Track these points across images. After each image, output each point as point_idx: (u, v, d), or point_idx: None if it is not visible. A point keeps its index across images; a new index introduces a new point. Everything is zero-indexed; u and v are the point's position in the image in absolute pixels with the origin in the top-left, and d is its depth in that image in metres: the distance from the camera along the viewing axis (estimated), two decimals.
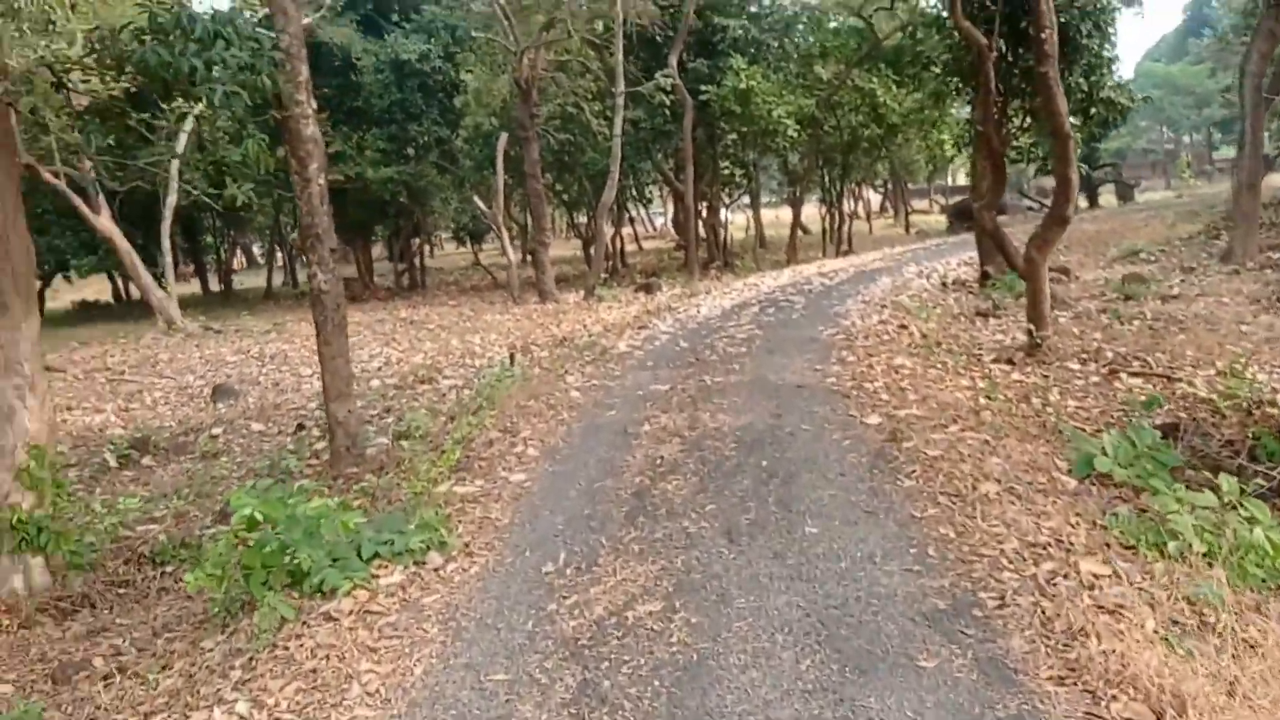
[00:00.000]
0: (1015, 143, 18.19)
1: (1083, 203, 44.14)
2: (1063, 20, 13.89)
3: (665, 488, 7.31)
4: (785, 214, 46.09)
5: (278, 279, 44.40)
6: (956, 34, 15.96)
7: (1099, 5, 16.53)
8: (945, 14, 17.77)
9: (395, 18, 31.52)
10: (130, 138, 11.66)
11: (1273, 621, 5.05)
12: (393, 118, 30.70)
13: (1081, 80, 16.88)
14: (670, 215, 50.71)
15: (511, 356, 14.07)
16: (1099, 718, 4.11)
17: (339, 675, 4.89)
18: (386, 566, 6.16)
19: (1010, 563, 5.50)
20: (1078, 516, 6.41)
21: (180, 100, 7.63)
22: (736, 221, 47.31)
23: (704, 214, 35.10)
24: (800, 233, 35.78)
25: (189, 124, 8.89)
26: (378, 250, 44.10)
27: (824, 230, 38.92)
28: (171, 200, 28.00)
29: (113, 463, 12.02)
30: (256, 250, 61.82)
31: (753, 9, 31.87)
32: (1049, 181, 43.37)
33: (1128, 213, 39.72)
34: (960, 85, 19.67)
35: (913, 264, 24.32)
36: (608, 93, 27.78)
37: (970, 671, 4.46)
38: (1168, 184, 62.45)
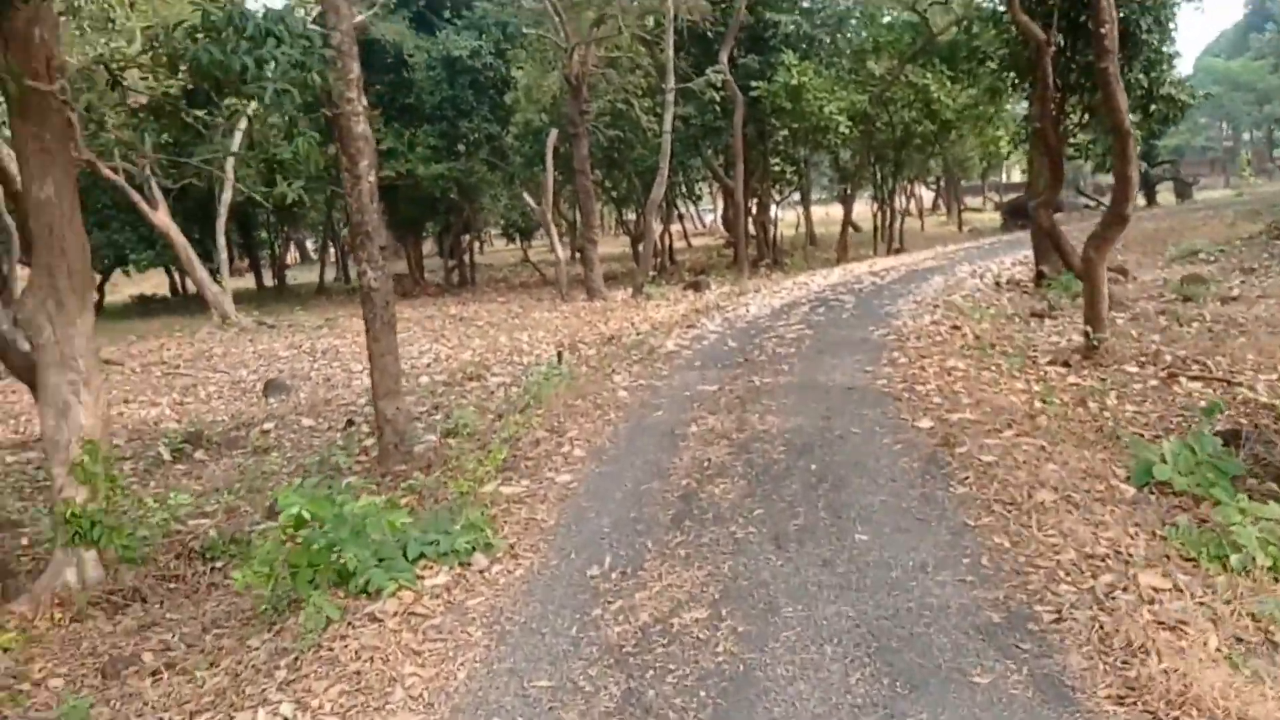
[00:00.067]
0: (1073, 140, 17.86)
1: (1140, 201, 43.28)
2: (1122, 15, 13.58)
3: (712, 491, 7.23)
4: (836, 211, 45.67)
5: (330, 274, 44.88)
6: (1013, 28, 15.68)
7: (1159, 0, 16.18)
8: (1002, 8, 17.49)
9: (447, 14, 31.65)
10: (187, 135, 11.78)
11: None
12: (444, 114, 30.86)
13: (1141, 76, 16.53)
14: (720, 212, 50.51)
15: (559, 355, 14.05)
16: None
17: (382, 678, 4.86)
18: (432, 567, 6.14)
19: (1067, 575, 5.35)
20: (1136, 527, 6.24)
21: (236, 99, 7.64)
22: (786, 219, 47.00)
23: (754, 211, 34.92)
24: (851, 230, 35.44)
25: (244, 122, 8.97)
26: (428, 247, 44.36)
27: (875, 228, 38.51)
28: (227, 197, 28.42)
29: (166, 456, 12.17)
30: (310, 246, 62.52)
31: (805, 4, 31.62)
32: (1106, 179, 42.78)
33: (1186, 211, 38.90)
34: (1017, 81, 19.35)
35: (966, 263, 23.96)
36: (658, 89, 27.70)
37: (1026, 688, 4.33)
38: (1227, 182, 61.08)
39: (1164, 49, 17.11)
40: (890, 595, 5.27)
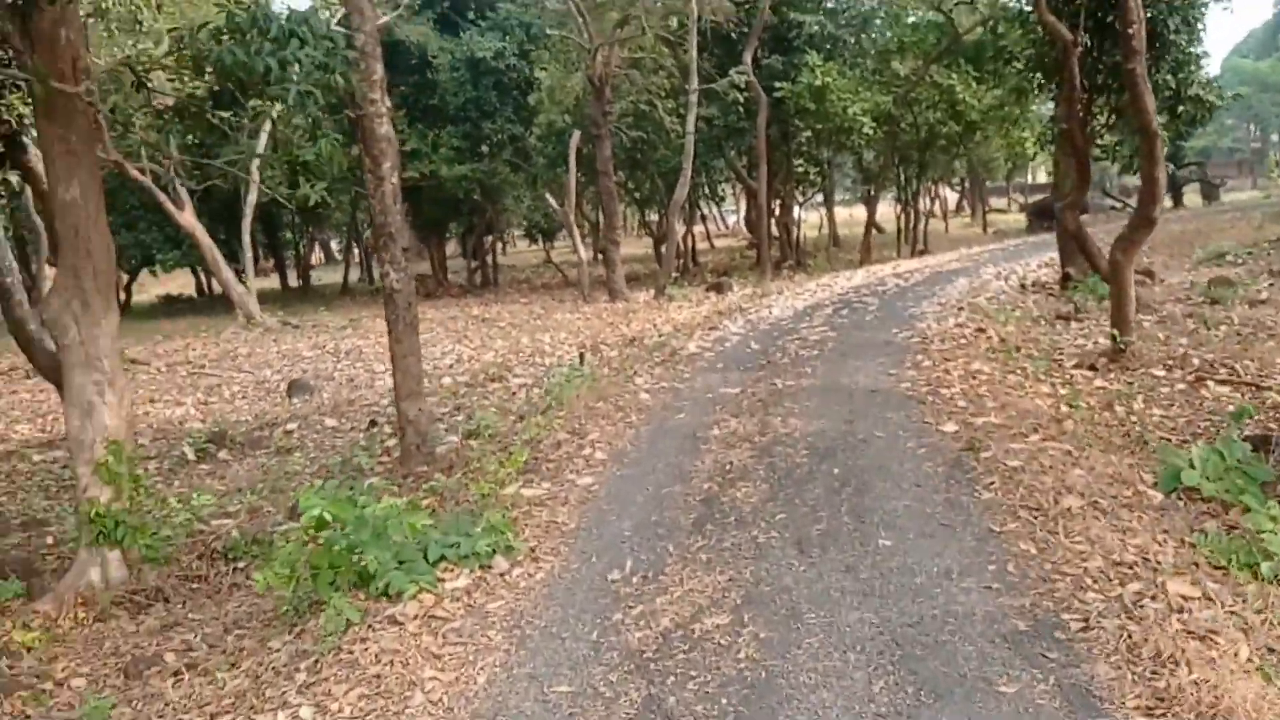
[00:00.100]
0: (1100, 141, 17.71)
1: (1167, 202, 42.84)
2: (1150, 15, 13.46)
3: (734, 495, 7.18)
4: (859, 212, 45.45)
5: (354, 275, 45.08)
6: (1040, 28, 15.56)
7: (1187, 0, 16.02)
8: (1028, 8, 17.36)
9: (471, 15, 31.74)
10: (213, 137, 11.86)
11: None
12: (467, 115, 30.93)
13: (1169, 77, 16.37)
14: (743, 213, 50.36)
15: (581, 356, 14.04)
16: None
17: (402, 682, 4.85)
18: (452, 570, 6.13)
19: (1094, 582, 5.27)
20: (1165, 534, 6.16)
21: (260, 100, 7.66)
22: (810, 220, 46.84)
23: (777, 212, 34.79)
24: (875, 232, 35.27)
25: (268, 124, 9.02)
26: (451, 247, 44.49)
27: (899, 229, 38.31)
28: (252, 197, 28.59)
29: (190, 456, 12.24)
30: (335, 246, 62.80)
31: (829, 4, 31.48)
32: (1132, 180, 42.41)
33: (1213, 213, 38.53)
34: (1043, 81, 19.20)
35: (990, 265, 23.78)
36: (681, 90, 27.64)
37: (1052, 698, 4.26)
38: (1254, 184, 60.45)
39: (1192, 49, 16.94)
40: (914, 602, 5.21)
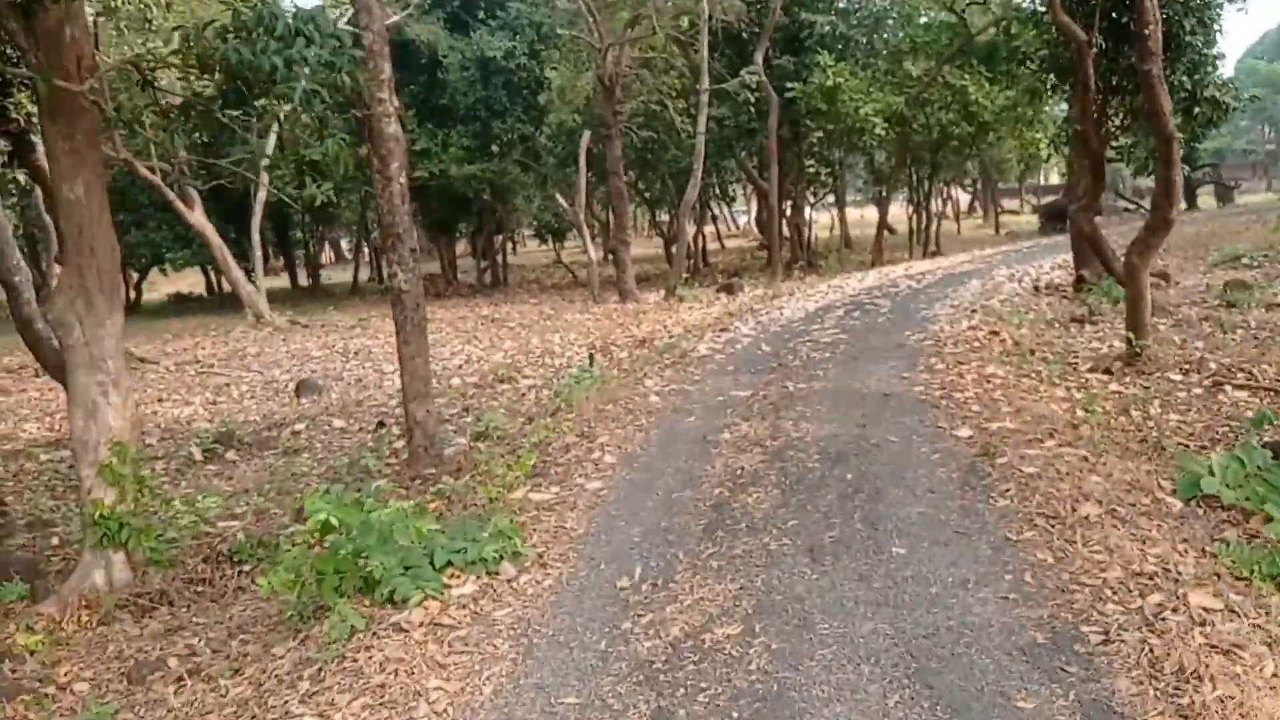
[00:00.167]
0: (1114, 143, 17.54)
1: (1181, 204, 42.65)
2: (1165, 15, 13.29)
3: (745, 500, 7.08)
4: (871, 213, 45.31)
5: (364, 274, 45.06)
6: (1054, 29, 15.40)
7: (1203, 0, 15.84)
8: (1042, 8, 17.20)
9: (481, 15, 31.66)
10: (224, 136, 11.79)
11: None
12: (477, 115, 30.88)
13: (1185, 78, 16.18)
14: (753, 214, 50.25)
15: (591, 357, 13.96)
16: None
17: (407, 692, 4.76)
18: (459, 576, 6.04)
19: (1114, 593, 5.15)
20: (1185, 543, 6.04)
21: (267, 99, 7.58)
22: (821, 221, 46.69)
23: (788, 213, 34.66)
24: (886, 233, 35.09)
25: (281, 123, 8.95)
26: (461, 247, 44.46)
27: (910, 231, 38.11)
28: (262, 196, 28.59)
29: (198, 456, 12.19)
30: (345, 245, 62.86)
31: (841, 4, 31.32)
32: (1145, 182, 42.17)
33: (1227, 215, 38.28)
34: (1057, 82, 19.03)
35: (1003, 266, 23.63)
36: (692, 90, 27.55)
37: (1073, 714, 4.15)
38: (1269, 185, 60.13)
39: (1208, 50, 16.75)
40: (929, 612, 5.10)
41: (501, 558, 6.23)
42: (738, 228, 63.58)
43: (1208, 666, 4.36)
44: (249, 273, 30.52)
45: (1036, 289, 18.98)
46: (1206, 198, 50.52)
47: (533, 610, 5.60)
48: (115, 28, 17.95)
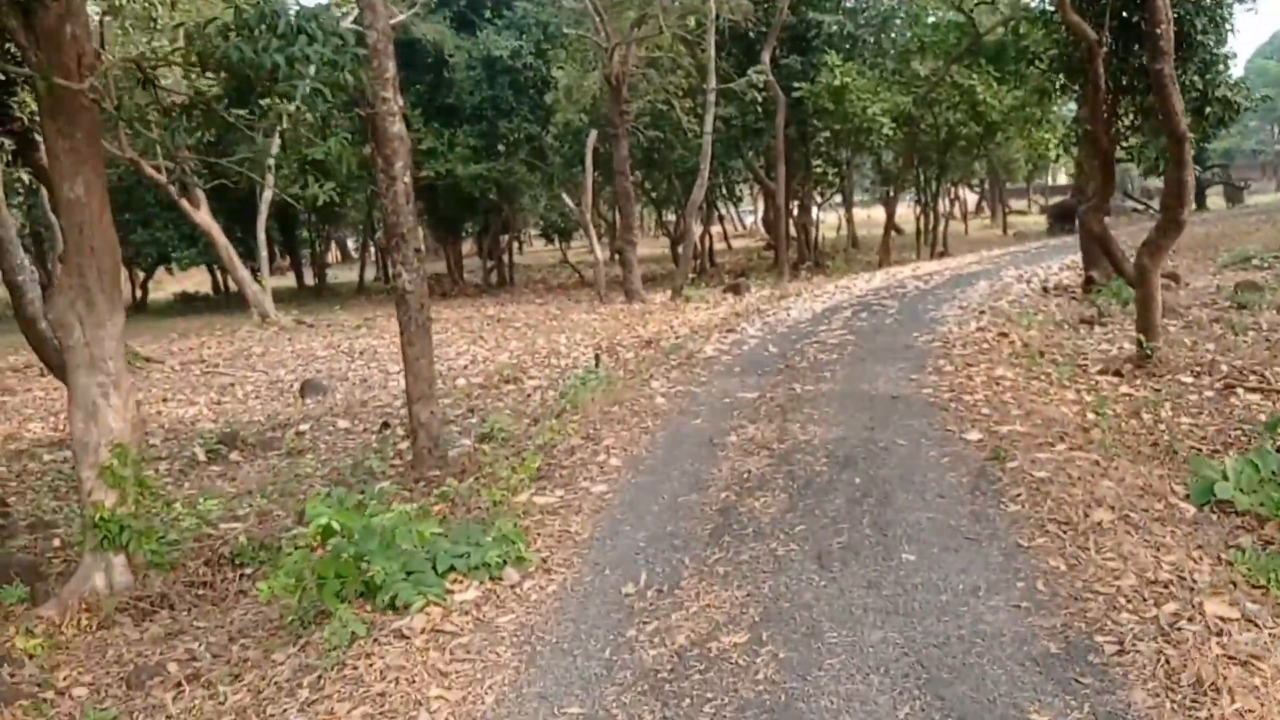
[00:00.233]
0: (1124, 143, 17.41)
1: (1191, 205, 42.41)
2: (1177, 14, 13.17)
3: (752, 505, 6.99)
4: (878, 214, 45.15)
5: (370, 274, 45.03)
6: (1063, 28, 15.29)
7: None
8: (1051, 8, 17.08)
9: (487, 14, 31.62)
10: (232, 134, 11.75)
11: None
12: (483, 114, 30.81)
13: (1196, 78, 16.06)
14: (760, 214, 50.12)
15: (597, 358, 13.88)
16: None
17: (408, 700, 4.67)
18: (462, 581, 5.96)
19: (1128, 602, 5.05)
20: (1199, 550, 5.93)
21: (269, 98, 7.51)
22: (828, 221, 46.56)
23: (795, 213, 34.56)
24: (894, 233, 34.98)
25: (284, 121, 8.89)
26: (467, 247, 44.40)
27: (918, 231, 38.01)
28: (268, 195, 28.52)
29: (201, 457, 12.12)
30: (351, 245, 62.82)
31: (849, 4, 31.24)
32: (1154, 183, 41.95)
33: (1237, 216, 38.07)
34: (1066, 82, 18.90)
35: (1011, 267, 23.51)
36: (699, 89, 27.46)
37: None
38: (1278, 186, 59.82)
39: (1220, 50, 16.62)
40: (940, 621, 5.00)
41: (505, 562, 6.15)
42: (744, 228, 63.41)
43: (1226, 679, 4.26)
44: (255, 272, 30.49)
45: (1045, 290, 18.87)
46: (1216, 198, 50.27)
47: (536, 617, 5.51)
48: (120, 27, 17.92)
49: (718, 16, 24.53)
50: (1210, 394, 10.07)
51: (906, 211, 43.46)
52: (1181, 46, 14.00)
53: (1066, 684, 4.36)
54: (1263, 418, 8.90)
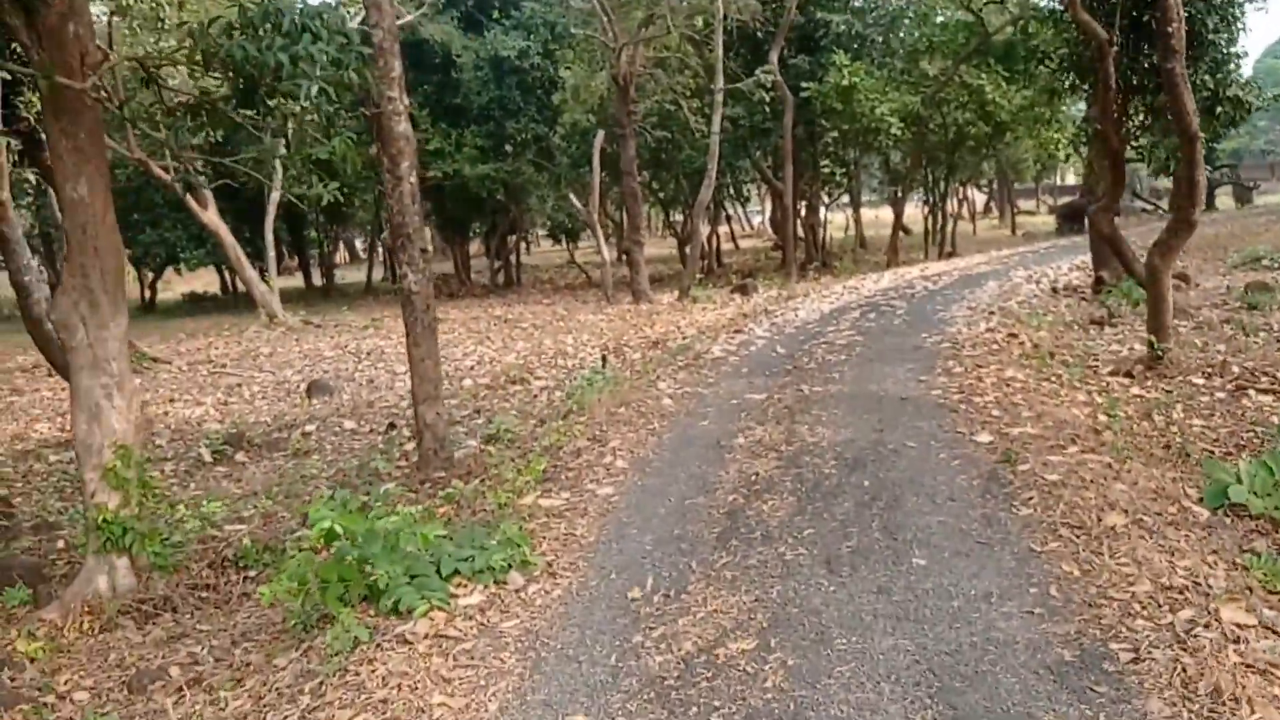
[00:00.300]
0: (1135, 142, 17.29)
1: (1202, 205, 42.19)
2: (1188, 13, 13.05)
3: (760, 508, 6.91)
4: (886, 214, 45.08)
5: (378, 274, 45.01)
6: (1073, 27, 15.18)
7: None
8: (1061, 7, 16.96)
9: (495, 15, 31.56)
10: (239, 135, 11.70)
11: None
12: (491, 115, 30.76)
13: (1207, 77, 15.93)
14: (768, 214, 50.06)
15: (603, 359, 13.82)
16: None
17: (410, 708, 4.60)
18: (466, 585, 5.89)
19: (1143, 608, 4.97)
20: (1214, 554, 5.84)
21: (274, 97, 7.45)
22: (836, 221, 46.44)
23: (803, 213, 34.45)
24: (902, 234, 34.86)
25: (289, 121, 8.83)
26: (475, 247, 44.34)
27: (926, 231, 37.87)
28: (275, 196, 28.51)
29: (207, 458, 12.07)
30: (359, 245, 62.82)
31: (857, 3, 31.10)
32: (1164, 183, 41.73)
33: (1246, 216, 37.93)
34: (1076, 82, 18.78)
35: (1020, 268, 23.41)
36: (706, 90, 27.38)
37: None
38: None
39: (1230, 48, 16.50)
40: (951, 628, 4.92)
41: (510, 566, 6.08)
42: (752, 228, 63.33)
43: (1244, 688, 4.18)
44: (262, 272, 30.49)
45: (1055, 290, 18.77)
46: (1225, 198, 50.06)
47: (541, 622, 5.44)
48: (128, 27, 17.91)
49: (725, 16, 24.46)
50: (1222, 395, 9.98)
51: (914, 212, 43.29)
52: (1193, 45, 13.88)
53: (1081, 693, 4.28)
54: (1275, 419, 8.83)
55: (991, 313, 15.20)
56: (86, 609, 7.10)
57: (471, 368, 17.13)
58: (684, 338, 16.08)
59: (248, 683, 5.36)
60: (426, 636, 5.27)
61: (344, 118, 7.96)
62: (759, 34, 27.62)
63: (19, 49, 8.14)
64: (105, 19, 16.91)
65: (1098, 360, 11.81)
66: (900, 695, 4.37)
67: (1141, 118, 16.31)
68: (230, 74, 6.72)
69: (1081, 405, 9.38)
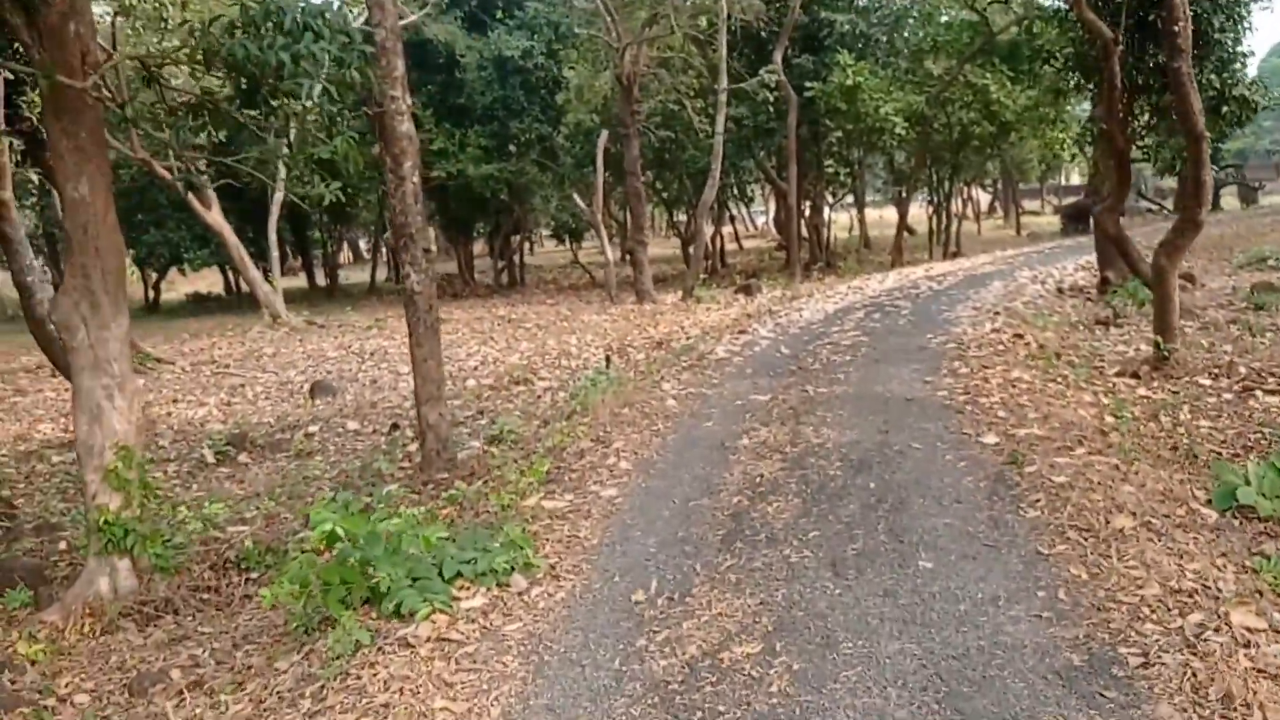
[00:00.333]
0: (1140, 142, 17.23)
1: (1209, 204, 42.05)
2: (1194, 12, 13.00)
3: (765, 510, 6.86)
4: (890, 214, 45.00)
5: (382, 274, 45.01)
6: (1079, 26, 15.13)
7: None
8: (1066, 6, 16.91)
9: (499, 15, 31.54)
10: (242, 134, 11.68)
11: None
12: (495, 115, 30.74)
13: (1213, 76, 15.87)
14: (772, 214, 49.98)
15: (607, 359, 13.77)
16: None
17: (411, 713, 4.55)
18: (468, 588, 5.85)
19: (1152, 612, 4.91)
20: (1223, 557, 5.77)
21: (275, 97, 7.41)
22: (840, 221, 46.37)
23: (807, 213, 34.40)
24: (906, 234, 34.79)
25: (290, 121, 8.79)
26: (478, 247, 44.34)
27: (930, 231, 37.79)
28: (279, 196, 28.49)
29: (210, 459, 12.05)
30: (363, 245, 62.84)
31: (861, 3, 31.06)
32: (1168, 183, 41.64)
33: (1252, 216, 37.80)
34: (1082, 81, 18.72)
35: (1025, 268, 23.33)
36: (710, 89, 27.32)
37: None
38: None
39: (1236, 48, 16.43)
40: (959, 632, 4.87)
41: (513, 569, 6.04)
42: (756, 228, 63.29)
43: (1255, 694, 4.13)
44: (266, 273, 30.48)
45: (1060, 291, 18.70)
46: (1230, 198, 49.92)
47: (544, 625, 5.40)
48: (132, 27, 17.89)
49: (729, 16, 24.41)
50: (1229, 396, 9.90)
51: (919, 212, 43.24)
52: (1199, 44, 13.82)
53: (1090, 698, 4.23)
54: None
55: (997, 313, 15.14)
56: (88, 611, 7.07)
57: (475, 368, 17.09)
58: (688, 338, 16.04)
59: (248, 686, 5.32)
60: (428, 640, 5.22)
61: (347, 117, 7.90)
62: (763, 34, 27.55)
63: (20, 48, 8.12)
64: (109, 19, 16.88)
65: (1104, 361, 11.74)
66: (907, 700, 4.32)
67: (1147, 117, 16.27)
68: (232, 73, 6.68)
69: (1088, 406, 9.32)
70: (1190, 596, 5.10)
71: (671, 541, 6.48)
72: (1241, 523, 6.53)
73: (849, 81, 26.59)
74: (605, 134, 27.59)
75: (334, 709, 4.66)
